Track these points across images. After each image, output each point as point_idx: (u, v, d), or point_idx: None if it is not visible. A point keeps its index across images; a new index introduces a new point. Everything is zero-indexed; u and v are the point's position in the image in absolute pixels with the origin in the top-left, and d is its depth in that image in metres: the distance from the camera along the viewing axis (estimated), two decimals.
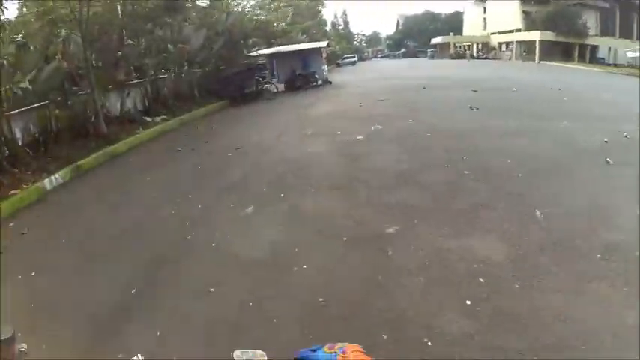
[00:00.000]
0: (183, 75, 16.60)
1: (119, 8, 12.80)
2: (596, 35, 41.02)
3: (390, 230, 4.65)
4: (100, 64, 12.05)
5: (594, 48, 40.84)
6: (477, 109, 11.49)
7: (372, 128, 10.04)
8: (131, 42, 13.55)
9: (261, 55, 22.30)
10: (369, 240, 4.50)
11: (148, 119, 12.77)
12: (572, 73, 26.14)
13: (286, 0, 30.77)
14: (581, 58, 39.89)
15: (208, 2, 19.50)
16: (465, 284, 3.54)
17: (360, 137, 9.28)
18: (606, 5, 41.14)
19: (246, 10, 24.60)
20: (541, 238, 4.17)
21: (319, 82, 22.07)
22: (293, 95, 19.29)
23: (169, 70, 15.93)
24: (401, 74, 27.48)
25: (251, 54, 21.55)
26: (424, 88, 17.53)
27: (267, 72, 21.88)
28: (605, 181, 5.64)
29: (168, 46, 14.73)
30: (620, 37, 41.44)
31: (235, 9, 22.22)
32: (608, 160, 6.30)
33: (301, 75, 21.76)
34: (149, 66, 13.99)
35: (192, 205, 6.09)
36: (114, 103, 12.47)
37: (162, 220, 5.69)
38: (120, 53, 12.63)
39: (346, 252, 4.32)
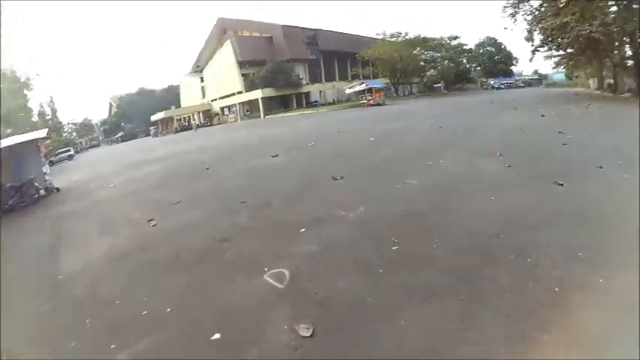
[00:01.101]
0: None
1: None
2: (308, 83, 48.32)
3: None
4: None
5: (308, 94, 48.34)
6: None
7: None
8: None
9: None
10: None
11: None
12: (293, 119, 29.57)
13: None
14: (300, 105, 46.13)
15: None
16: None
17: None
18: (313, 57, 47.17)
19: None
20: None
21: (41, 192, 11.94)
22: None
23: None
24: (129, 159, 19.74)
25: None
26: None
27: None
28: None
29: None
30: (326, 81, 50.21)
31: None
32: None
33: (13, 188, 11.05)
34: None
35: None
36: None
37: None
38: None
39: None
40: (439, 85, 61.17)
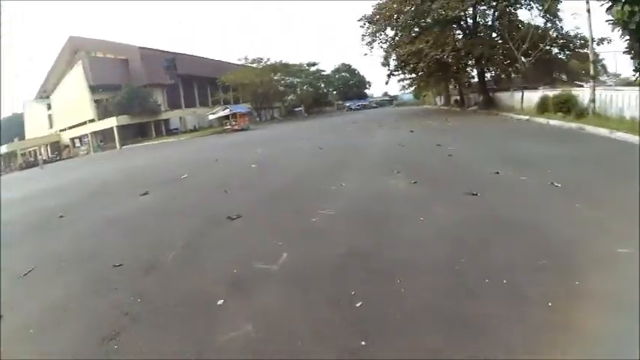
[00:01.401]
0: None
1: None
2: (167, 110, 44.97)
3: None
4: None
5: (167, 121, 44.79)
6: None
7: None
8: None
9: None
10: None
11: None
12: (154, 148, 27.02)
13: None
14: (159, 133, 42.57)
15: None
16: None
17: None
18: (172, 82, 43.80)
19: None
20: None
21: None
22: None
23: None
24: None
25: None
26: None
27: None
28: None
29: None
30: (186, 107, 45.96)
31: None
32: None
33: None
34: None
35: None
36: None
37: None
38: None
39: None
40: (300, 108, 63.31)
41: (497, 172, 6.66)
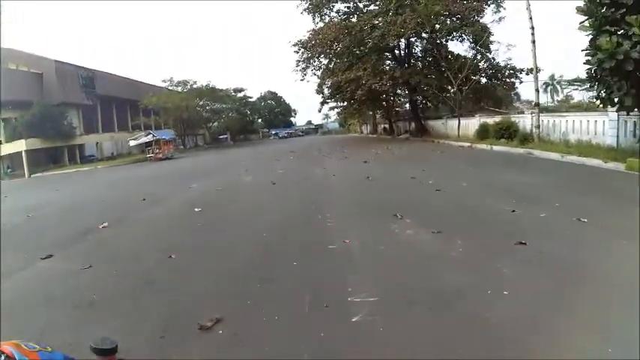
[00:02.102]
0: None
1: None
2: (82, 134, 39.04)
3: None
4: None
5: (82, 147, 39.07)
6: None
7: None
8: None
9: None
10: None
11: None
12: (63, 180, 21.95)
13: None
14: (72, 160, 36.76)
15: None
16: None
17: None
18: (89, 102, 39.08)
19: None
20: None
21: None
22: None
23: None
24: None
25: None
26: None
27: None
28: None
29: None
30: (103, 132, 41.98)
31: None
32: None
33: None
34: None
35: None
36: None
37: None
38: None
39: None
40: (225, 136, 60.62)
41: (514, 211, 5.70)
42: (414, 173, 10.09)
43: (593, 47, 8.87)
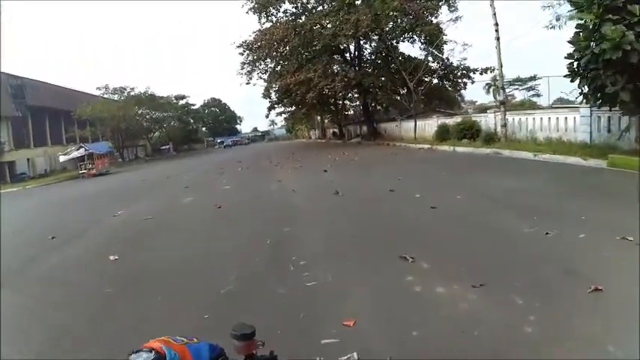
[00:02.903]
0: None
1: None
2: (12, 149, 34.04)
3: None
4: None
5: (12, 164, 33.76)
6: None
7: None
8: None
9: None
10: None
11: None
12: None
13: None
14: (2, 179, 31.41)
15: None
16: None
17: None
18: (19, 114, 34.06)
19: None
20: None
21: None
22: None
23: None
24: None
25: None
26: None
27: None
28: None
29: None
30: (35, 146, 36.83)
31: None
32: None
33: None
34: None
35: None
36: None
37: None
38: None
39: None
40: (167, 146, 56.67)
41: (547, 233, 4.38)
42: (390, 184, 8.56)
43: (586, 38, 7.93)
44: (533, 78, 38.84)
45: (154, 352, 0.78)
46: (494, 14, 15.68)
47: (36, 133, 37.57)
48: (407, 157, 15.21)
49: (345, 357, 2.12)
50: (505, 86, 54.53)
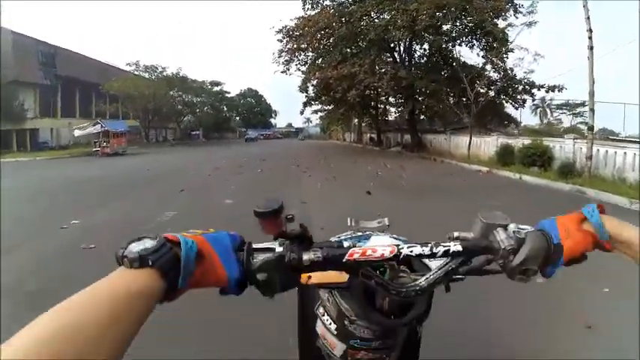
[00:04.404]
0: None
1: None
2: (37, 117, 33.29)
3: None
4: None
5: (35, 132, 33.08)
6: None
7: None
8: None
9: None
10: None
11: None
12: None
13: None
14: (22, 146, 31.24)
15: None
16: None
17: None
18: (47, 82, 33.48)
19: None
20: None
21: None
22: None
23: None
24: None
25: None
26: None
27: None
28: None
29: None
30: (62, 117, 36.29)
31: None
32: None
33: None
34: None
35: None
36: None
37: None
38: None
39: None
40: (197, 132, 55.28)
41: None
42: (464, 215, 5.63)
43: None
44: (582, 104, 34.47)
45: (159, 237, 0.62)
46: (588, 18, 12.42)
47: (64, 104, 36.80)
48: (470, 183, 12.08)
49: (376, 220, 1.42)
50: (553, 110, 49.36)
